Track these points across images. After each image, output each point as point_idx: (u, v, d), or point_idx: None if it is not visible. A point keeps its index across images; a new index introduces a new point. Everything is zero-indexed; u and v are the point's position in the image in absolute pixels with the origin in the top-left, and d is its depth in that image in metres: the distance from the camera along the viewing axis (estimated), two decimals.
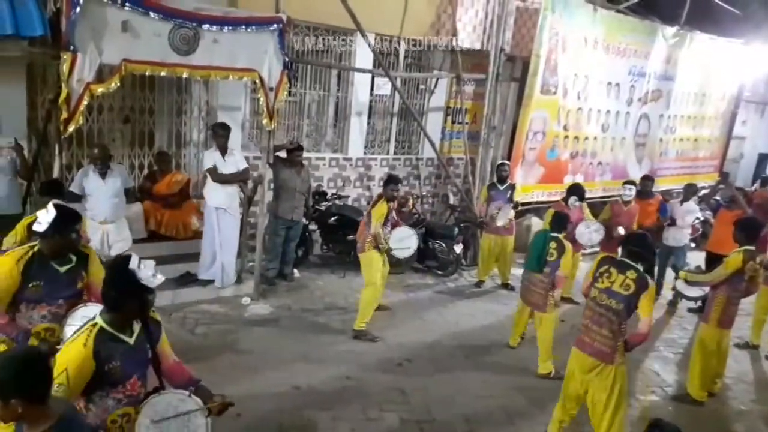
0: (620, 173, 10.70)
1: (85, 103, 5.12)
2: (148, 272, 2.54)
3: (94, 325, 2.54)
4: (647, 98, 10.98)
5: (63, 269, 3.29)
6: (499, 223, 7.63)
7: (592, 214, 7.67)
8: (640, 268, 4.15)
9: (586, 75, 9.62)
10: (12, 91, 5.96)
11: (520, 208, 8.33)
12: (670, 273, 8.02)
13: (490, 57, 8.97)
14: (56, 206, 3.17)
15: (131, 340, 2.63)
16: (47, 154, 5.96)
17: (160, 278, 2.61)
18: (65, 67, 4.96)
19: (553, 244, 5.61)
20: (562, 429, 4.50)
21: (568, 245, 5.62)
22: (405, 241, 6.26)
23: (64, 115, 5.05)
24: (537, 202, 9.65)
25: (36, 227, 3.16)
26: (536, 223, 9.51)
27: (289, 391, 4.96)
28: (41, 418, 2.06)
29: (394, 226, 6.24)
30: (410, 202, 8.91)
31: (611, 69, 10.04)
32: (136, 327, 2.65)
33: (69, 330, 3.04)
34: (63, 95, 5.00)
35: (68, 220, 3.22)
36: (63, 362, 2.43)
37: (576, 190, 7.59)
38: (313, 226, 8.08)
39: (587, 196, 7.89)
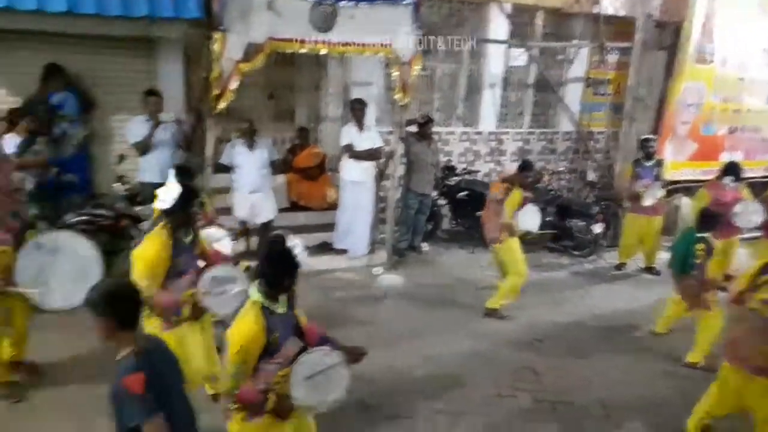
0: None
1: (236, 81, 5.44)
2: (299, 251, 2.80)
3: (254, 302, 2.76)
4: None
5: (187, 240, 3.61)
6: (647, 202, 7.04)
7: (752, 197, 6.89)
8: None
9: (748, 41, 8.59)
10: (171, 71, 6.51)
11: (669, 186, 7.67)
12: None
13: (636, 24, 8.32)
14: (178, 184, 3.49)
15: (283, 310, 2.84)
16: (201, 129, 6.45)
17: (307, 258, 2.88)
18: (217, 47, 5.29)
19: (700, 246, 5.08)
20: (703, 425, 4.12)
21: (716, 246, 5.16)
22: (528, 218, 5.93)
23: (216, 92, 5.41)
24: (688, 181, 8.86)
25: (160, 204, 3.45)
26: (686, 203, 8.75)
27: (420, 361, 5.02)
28: (128, 342, 2.35)
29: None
30: (545, 178, 8.60)
31: None
32: (282, 298, 2.84)
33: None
34: (215, 74, 5.36)
35: (189, 197, 3.54)
36: (238, 340, 2.68)
37: (732, 169, 6.79)
38: (442, 201, 8.05)
39: (747, 175, 7.10)
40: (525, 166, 5.90)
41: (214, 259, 3.89)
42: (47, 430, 3.87)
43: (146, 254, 3.47)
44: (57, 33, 5.46)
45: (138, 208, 5.54)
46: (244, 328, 2.70)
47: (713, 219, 5.27)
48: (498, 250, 5.88)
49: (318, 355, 2.82)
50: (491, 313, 5.95)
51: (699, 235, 5.16)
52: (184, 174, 4.42)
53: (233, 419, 2.81)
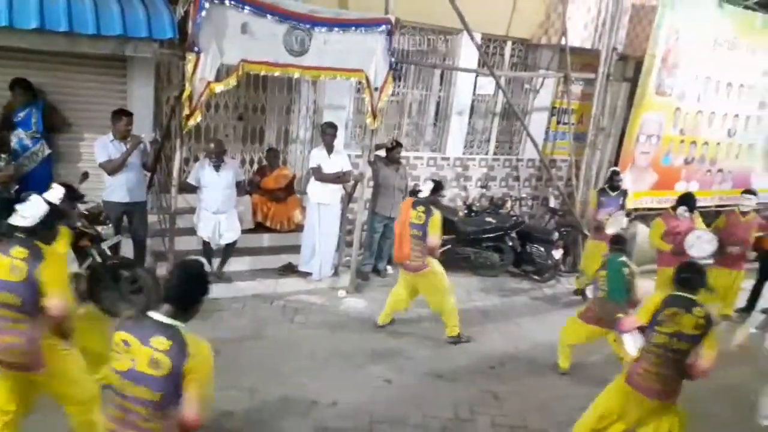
0: (742, 181, 9.88)
1: (206, 101, 5.48)
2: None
3: (183, 329, 2.64)
4: None
5: None
6: (609, 230, 6.97)
7: (705, 225, 7.18)
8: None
9: (708, 76, 8.99)
10: (142, 89, 6.50)
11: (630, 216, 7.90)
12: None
13: (601, 56, 8.63)
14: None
15: None
16: (168, 148, 6.45)
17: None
18: (190, 67, 5.33)
19: (625, 269, 5.30)
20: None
21: (632, 267, 5.33)
22: None
23: (186, 111, 5.45)
24: (645, 209, 9.17)
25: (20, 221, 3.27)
26: (642, 231, 9.04)
27: (381, 384, 5.08)
28: None
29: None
30: (508, 204, 8.79)
31: (742, 69, 9.30)
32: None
33: None
34: (186, 93, 5.39)
35: (56, 216, 3.47)
36: (210, 367, 2.63)
37: (686, 199, 7.08)
38: None
39: (702, 204, 7.40)
40: (440, 186, 5.86)
41: None
42: None
43: (63, 274, 3.37)
44: (27, 50, 5.42)
45: (100, 228, 5.48)
46: (209, 352, 2.64)
47: (624, 242, 5.64)
48: (427, 276, 5.77)
49: None
50: (456, 340, 5.97)
51: (622, 260, 5.36)
52: (71, 194, 4.42)
53: None
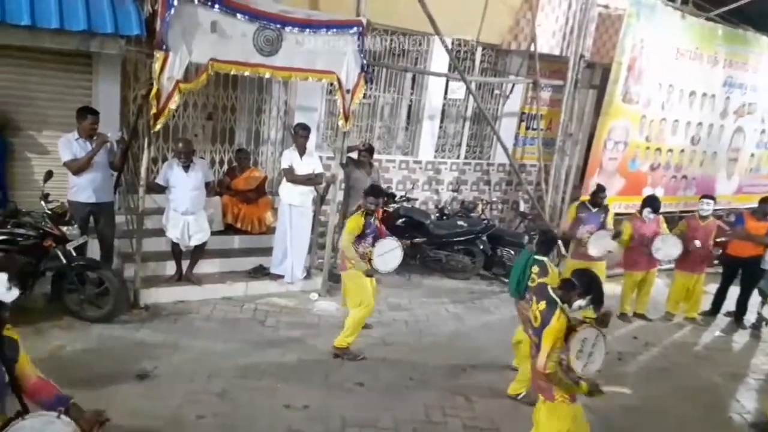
0: (707, 188, 10.12)
1: (176, 100, 5.38)
2: (1, 287, 2.36)
3: None
4: (744, 111, 10.41)
5: None
6: (592, 252, 6.73)
7: (668, 229, 7.36)
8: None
9: (671, 84, 9.21)
10: (108, 87, 6.36)
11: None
12: (754, 296, 7.61)
13: (569, 63, 8.78)
14: None
15: None
16: (136, 147, 6.31)
17: (15, 292, 2.45)
18: (157, 65, 5.24)
19: (535, 268, 5.03)
20: None
21: (553, 270, 4.98)
22: (388, 254, 5.47)
23: (154, 110, 5.34)
24: (615, 214, 9.33)
25: None
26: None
27: (353, 387, 5.03)
28: None
29: (376, 238, 5.53)
30: (479, 207, 8.86)
31: (703, 79, 9.58)
32: None
33: None
34: (154, 92, 5.29)
35: None
36: None
37: (651, 201, 7.28)
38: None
39: (668, 210, 7.55)
40: (371, 191, 5.53)
41: None
42: None
43: None
44: None
45: (65, 228, 5.32)
46: None
47: (552, 243, 5.33)
48: (343, 278, 5.65)
49: (36, 422, 2.27)
50: (341, 353, 5.48)
51: (536, 257, 5.10)
52: None
53: None
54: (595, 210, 7.11)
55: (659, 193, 9.36)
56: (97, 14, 5.19)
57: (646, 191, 9.39)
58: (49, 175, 5.40)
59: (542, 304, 3.76)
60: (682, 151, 9.87)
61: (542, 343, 3.68)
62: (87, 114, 5.63)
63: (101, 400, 4.30)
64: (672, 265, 7.89)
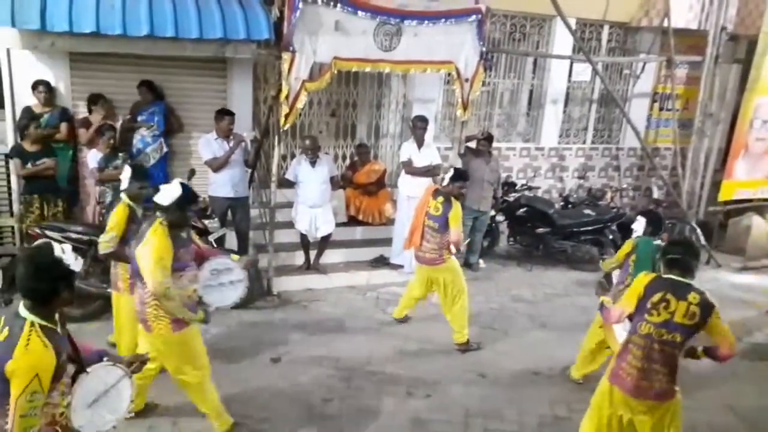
0: None
1: (303, 99, 5.66)
2: (70, 257, 2.47)
3: (32, 324, 2.37)
4: None
5: (184, 235, 3.72)
6: None
7: None
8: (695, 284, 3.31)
9: None
10: (241, 89, 6.82)
11: (738, 205, 7.15)
12: None
13: (708, 37, 8.07)
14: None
15: (60, 329, 2.49)
16: (267, 145, 6.72)
17: (80, 261, 2.68)
18: (285, 66, 5.53)
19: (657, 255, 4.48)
20: None
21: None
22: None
23: (285, 110, 5.65)
24: (760, 199, 8.48)
25: (160, 200, 3.53)
26: (757, 224, 8.37)
27: (475, 378, 5.03)
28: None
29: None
30: (608, 195, 8.43)
31: None
32: (56, 316, 2.51)
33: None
34: (284, 92, 5.59)
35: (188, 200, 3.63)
36: (30, 368, 2.29)
37: None
38: (500, 218, 8.01)
39: None
40: (458, 176, 5.27)
41: (207, 254, 3.97)
42: None
43: (158, 250, 3.46)
44: (139, 55, 5.83)
45: (207, 221, 5.80)
46: (33, 354, 2.31)
47: (659, 223, 4.87)
48: (440, 270, 5.37)
49: (99, 371, 2.58)
50: (464, 348, 5.43)
51: (655, 243, 4.68)
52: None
53: None
54: None
55: None
56: (231, 22, 5.57)
57: None
58: (192, 173, 5.91)
59: (694, 296, 3.25)
60: None
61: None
62: (224, 115, 6.08)
63: (240, 374, 4.74)
64: None
